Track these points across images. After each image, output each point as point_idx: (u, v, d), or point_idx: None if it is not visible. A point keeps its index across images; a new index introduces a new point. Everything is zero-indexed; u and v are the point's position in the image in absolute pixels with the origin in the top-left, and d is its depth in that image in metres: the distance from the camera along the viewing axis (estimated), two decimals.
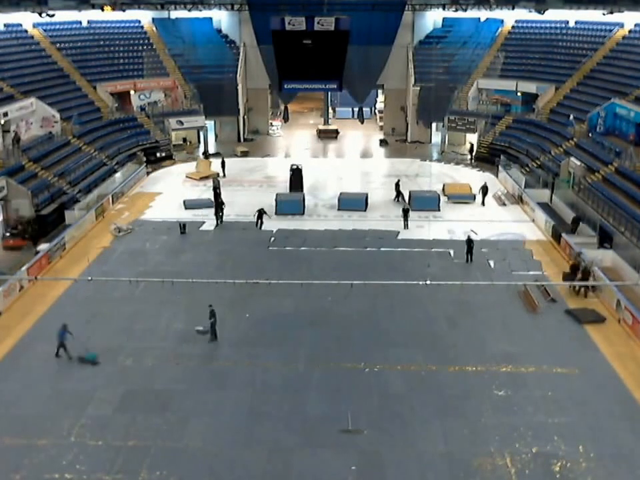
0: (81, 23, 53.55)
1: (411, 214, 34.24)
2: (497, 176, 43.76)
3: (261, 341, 22.82)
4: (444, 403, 19.27)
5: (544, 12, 52.50)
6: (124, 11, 53.99)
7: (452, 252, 30.49)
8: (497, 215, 36.31)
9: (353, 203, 37.13)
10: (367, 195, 37.96)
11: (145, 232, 33.39)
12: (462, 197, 38.81)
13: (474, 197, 38.61)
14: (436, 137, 54.30)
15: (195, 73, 53.62)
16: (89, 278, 23.81)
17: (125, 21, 55.27)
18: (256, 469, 16.59)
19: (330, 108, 61.70)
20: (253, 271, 27.47)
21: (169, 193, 40.42)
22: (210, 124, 53.15)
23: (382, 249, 31.13)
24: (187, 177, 43.54)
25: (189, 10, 55.11)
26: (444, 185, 40.28)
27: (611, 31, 49.56)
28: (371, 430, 18.00)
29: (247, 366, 21.21)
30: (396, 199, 38.18)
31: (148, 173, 44.45)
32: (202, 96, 51.70)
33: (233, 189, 41.10)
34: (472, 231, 32.96)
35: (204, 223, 34.87)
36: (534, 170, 41.95)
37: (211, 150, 51.49)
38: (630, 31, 48.46)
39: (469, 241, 29.40)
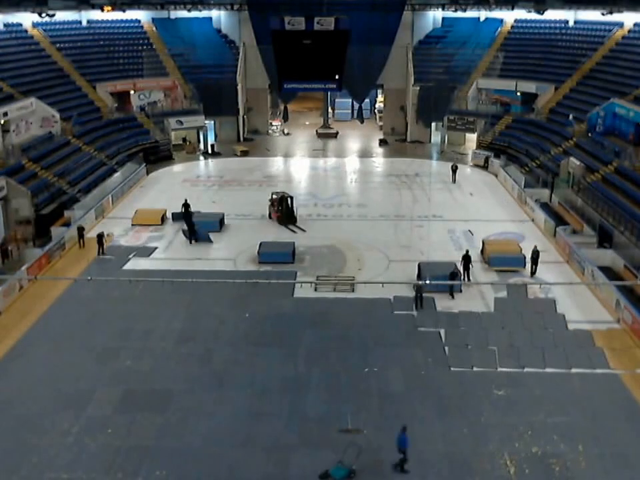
0: (80, 22, 53.66)
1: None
2: (494, 174, 43.86)
3: (261, 341, 22.83)
4: (444, 402, 19.28)
5: (543, 12, 52.59)
6: (124, 11, 54.09)
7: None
8: (495, 214, 36.34)
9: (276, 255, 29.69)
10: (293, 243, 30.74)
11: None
12: (508, 262, 28.76)
13: (524, 262, 28.63)
14: (435, 137, 54.34)
15: (195, 73, 53.61)
16: (89, 278, 23.84)
17: (125, 20, 55.33)
18: (255, 468, 16.59)
19: (330, 108, 61.73)
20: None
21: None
22: (210, 124, 53.15)
23: None
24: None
25: (189, 10, 55.18)
26: (483, 243, 30.45)
27: (610, 30, 49.56)
28: (371, 430, 18.01)
29: (247, 366, 21.22)
30: (465, 276, 27.44)
31: (147, 173, 44.44)
32: (202, 96, 51.71)
33: (233, 189, 41.24)
34: (469, 231, 32.99)
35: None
36: (533, 169, 41.98)
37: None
38: (629, 31, 48.48)
39: (467, 258, 27.03)
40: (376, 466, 16.72)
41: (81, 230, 31.51)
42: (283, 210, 34.24)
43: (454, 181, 42.04)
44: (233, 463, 16.79)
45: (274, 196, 35.12)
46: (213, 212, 35.01)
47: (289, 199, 34.52)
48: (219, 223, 33.67)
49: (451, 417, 18.56)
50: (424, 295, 25.01)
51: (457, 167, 42.55)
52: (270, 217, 35.03)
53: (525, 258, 28.63)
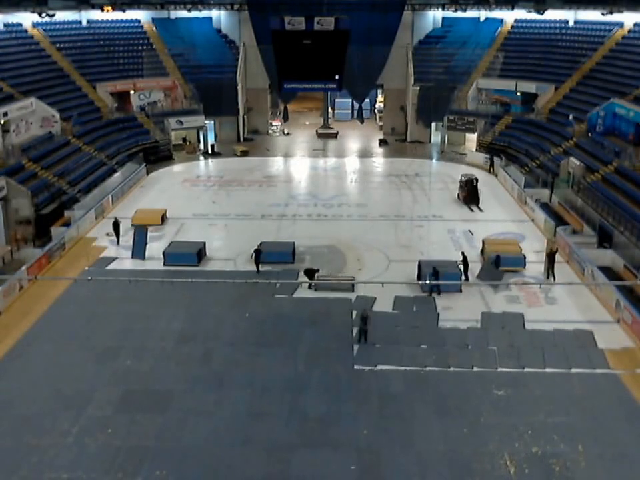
0: (80, 22, 53.65)
1: None
2: (494, 174, 43.86)
3: (261, 341, 22.82)
4: (444, 402, 19.28)
5: (543, 12, 52.61)
6: (124, 11, 54.12)
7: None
8: (495, 214, 36.34)
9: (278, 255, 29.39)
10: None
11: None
12: (509, 262, 28.32)
13: (524, 262, 28.51)
14: (435, 137, 54.35)
15: (195, 73, 53.60)
16: (89, 278, 23.82)
17: (125, 20, 55.34)
18: (255, 468, 16.59)
19: (330, 108, 61.73)
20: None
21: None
22: (210, 124, 53.15)
23: None
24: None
25: (189, 10, 55.18)
26: (483, 243, 30.39)
27: (610, 30, 49.55)
28: (371, 430, 18.00)
29: (247, 366, 21.21)
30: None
31: (147, 173, 44.43)
32: (202, 96, 51.69)
33: (233, 189, 41.26)
34: (469, 231, 33.00)
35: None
36: (533, 169, 41.98)
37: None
38: (629, 31, 48.45)
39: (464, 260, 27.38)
40: (376, 466, 16.72)
41: (116, 226, 31.73)
42: (469, 190, 37.49)
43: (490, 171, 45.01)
44: (233, 463, 16.79)
45: (463, 178, 38.21)
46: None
47: (474, 181, 37.80)
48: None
49: (451, 417, 18.56)
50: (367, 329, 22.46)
51: (493, 159, 45.04)
52: (458, 197, 38.21)
53: (525, 258, 28.59)
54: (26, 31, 49.73)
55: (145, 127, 48.94)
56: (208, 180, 43.79)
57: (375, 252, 30.76)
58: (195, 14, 55.64)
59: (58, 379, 20.36)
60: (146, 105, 50.45)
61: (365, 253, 30.66)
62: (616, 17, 48.86)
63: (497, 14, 55.18)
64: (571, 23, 53.06)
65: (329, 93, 58.50)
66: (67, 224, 33.08)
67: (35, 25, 50.25)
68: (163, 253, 29.43)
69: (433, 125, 54.25)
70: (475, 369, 20.97)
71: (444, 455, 17.07)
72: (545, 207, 36.15)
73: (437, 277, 25.69)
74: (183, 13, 55.75)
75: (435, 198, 38.46)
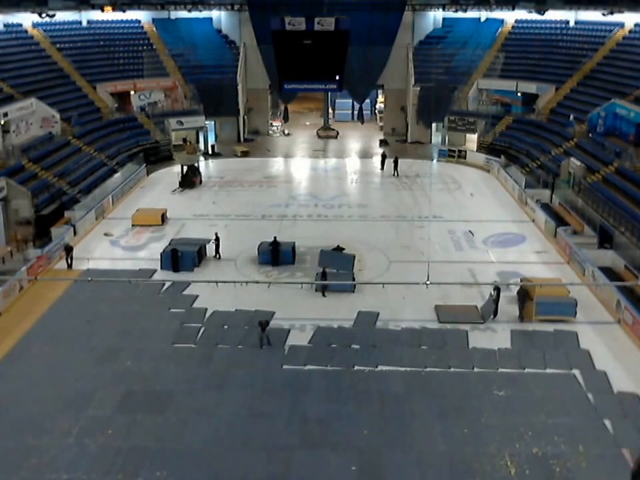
0: (80, 22, 53.65)
1: None
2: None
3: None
4: (444, 403, 19.25)
5: (544, 12, 52.61)
6: (124, 11, 54.12)
7: None
8: (496, 215, 36.31)
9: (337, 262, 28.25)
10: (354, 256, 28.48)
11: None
12: (557, 309, 24.03)
13: (574, 309, 23.99)
14: (436, 137, 54.33)
15: (195, 73, 53.62)
16: (89, 278, 23.82)
17: (125, 20, 55.35)
18: (255, 469, 16.56)
19: (330, 108, 61.70)
20: None
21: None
22: (210, 124, 53.15)
23: None
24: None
25: (189, 10, 55.16)
26: (521, 288, 24.55)
27: (611, 31, 49.54)
28: (371, 430, 17.98)
29: (247, 366, 21.19)
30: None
31: (148, 173, 44.42)
32: (202, 96, 51.71)
33: (233, 189, 41.25)
34: (469, 231, 32.98)
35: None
36: (534, 170, 41.96)
37: None
38: (630, 31, 48.43)
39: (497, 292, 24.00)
40: (377, 467, 16.70)
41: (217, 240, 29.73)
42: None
43: None
44: (233, 464, 16.76)
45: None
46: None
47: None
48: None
49: (451, 418, 18.53)
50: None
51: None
52: None
53: (576, 304, 24.00)
54: (26, 31, 49.71)
55: (146, 128, 48.90)
56: (208, 180, 43.75)
57: (376, 252, 30.74)
58: (195, 14, 55.62)
59: (58, 380, 20.34)
60: (146, 105, 50.42)
61: (365, 253, 30.63)
62: (616, 17, 48.85)
63: (497, 14, 55.17)
64: (571, 24, 53.06)
65: (329, 94, 58.48)
66: (67, 224, 33.02)
67: (35, 25, 50.23)
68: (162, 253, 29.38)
69: (434, 125, 54.20)
70: (476, 369, 20.98)
71: (444, 455, 17.04)
72: (546, 207, 36.12)
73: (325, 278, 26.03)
74: (183, 13, 55.75)
75: (436, 198, 38.40)
